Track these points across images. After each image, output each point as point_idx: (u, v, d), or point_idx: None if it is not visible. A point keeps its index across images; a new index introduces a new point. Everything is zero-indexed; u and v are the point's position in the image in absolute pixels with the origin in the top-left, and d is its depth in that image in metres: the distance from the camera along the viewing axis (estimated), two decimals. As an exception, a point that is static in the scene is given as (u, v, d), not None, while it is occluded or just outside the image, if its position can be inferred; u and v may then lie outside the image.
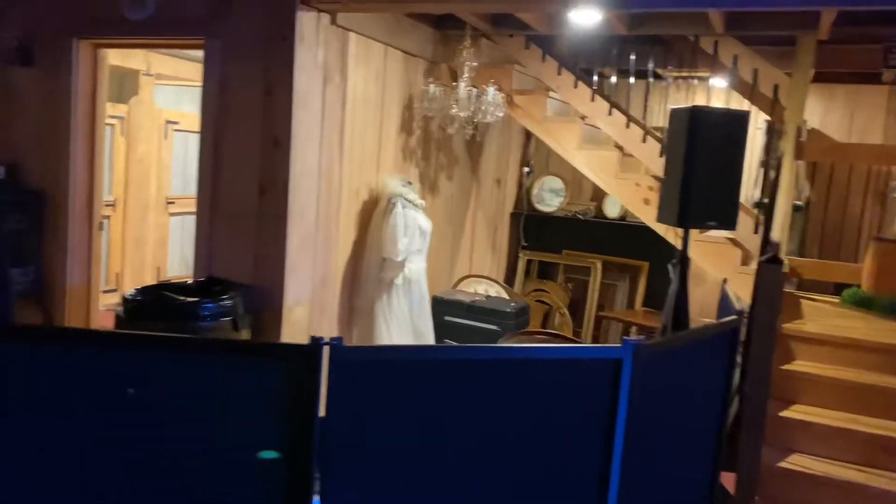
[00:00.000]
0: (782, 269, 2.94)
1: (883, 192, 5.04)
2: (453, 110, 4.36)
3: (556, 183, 6.64)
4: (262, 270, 3.68)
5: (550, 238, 6.59)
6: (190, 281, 3.69)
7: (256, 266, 3.70)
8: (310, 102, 3.66)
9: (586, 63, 4.74)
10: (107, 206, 5.27)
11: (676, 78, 5.50)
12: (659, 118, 5.52)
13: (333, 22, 3.77)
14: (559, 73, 4.61)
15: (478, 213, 5.92)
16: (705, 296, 5.60)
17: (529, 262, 6.66)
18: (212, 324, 3.27)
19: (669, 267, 3.34)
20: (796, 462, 3.23)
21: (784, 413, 3.40)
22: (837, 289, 4.52)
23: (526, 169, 6.44)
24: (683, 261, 3.25)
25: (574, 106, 4.65)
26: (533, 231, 6.69)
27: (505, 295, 5.54)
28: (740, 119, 3.12)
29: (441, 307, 4.70)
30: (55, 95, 4.12)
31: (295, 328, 3.75)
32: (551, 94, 4.82)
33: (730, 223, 3.20)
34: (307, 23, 3.58)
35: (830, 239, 5.33)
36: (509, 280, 6.63)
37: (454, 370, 1.87)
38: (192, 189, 5.60)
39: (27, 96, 4.23)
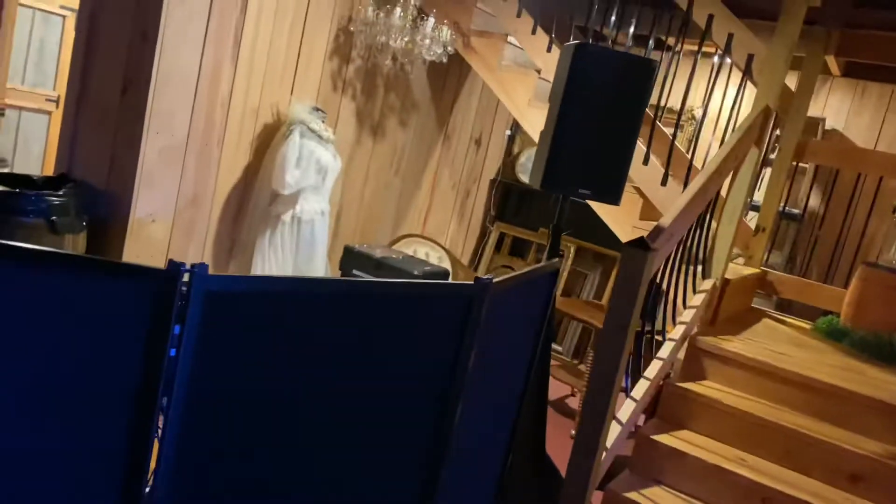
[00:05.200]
0: (649, 256, 2.35)
1: (892, 212, 4.24)
2: (381, 38, 3.86)
3: (547, 155, 6.04)
4: (115, 176, 3.33)
5: (529, 213, 6.01)
6: (39, 176, 3.37)
7: (112, 170, 3.35)
8: (190, -3, 3.25)
9: (585, 20, 4.03)
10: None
11: (685, 52, 4.80)
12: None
13: (237, -89, 3.34)
14: (518, 16, 4.03)
15: (443, 171, 5.41)
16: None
17: (503, 235, 6.12)
18: (25, 219, 2.94)
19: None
20: (651, 495, 2.66)
21: (659, 436, 2.81)
22: (825, 315, 3.88)
23: (507, 132, 5.86)
24: (556, 231, 2.68)
25: (529, 55, 4.06)
26: (512, 203, 6.13)
27: (447, 263, 5.05)
28: (643, 67, 2.50)
29: (350, 259, 4.24)
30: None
31: (147, 246, 3.39)
32: (511, 40, 4.24)
33: (610, 195, 2.60)
34: None
35: (825, 257, 4.57)
36: (479, 252, 6.12)
37: (311, 301, 1.45)
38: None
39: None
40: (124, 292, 1.17)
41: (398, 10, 3.85)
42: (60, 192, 3.11)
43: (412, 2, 3.96)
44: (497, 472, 2.28)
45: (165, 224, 3.46)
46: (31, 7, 4.94)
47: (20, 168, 5.00)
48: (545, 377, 2.69)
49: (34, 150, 5.18)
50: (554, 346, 5.66)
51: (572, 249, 5.71)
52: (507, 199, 6.12)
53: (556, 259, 2.04)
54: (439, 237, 5.55)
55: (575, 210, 5.68)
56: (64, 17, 5.09)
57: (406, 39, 3.87)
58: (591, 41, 3.78)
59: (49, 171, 5.44)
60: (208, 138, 3.54)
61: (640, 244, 2.35)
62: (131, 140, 3.26)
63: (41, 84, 5.15)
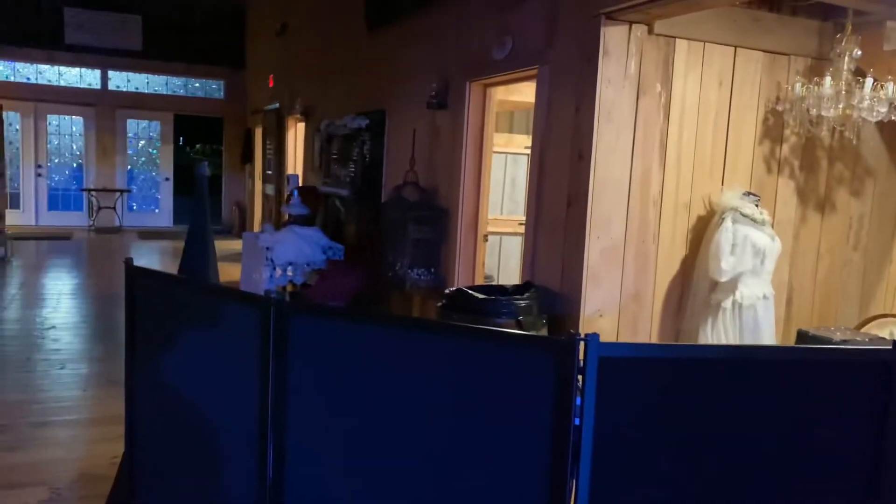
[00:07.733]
0: None
1: None
2: (813, 111, 3.69)
3: None
4: (566, 279, 3.84)
5: None
6: (510, 285, 4.08)
7: (563, 274, 3.87)
8: (616, 115, 3.67)
9: None
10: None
11: None
12: None
13: (651, 32, 3.70)
14: None
15: (920, 238, 4.69)
16: None
17: None
18: (499, 320, 3.60)
19: None
20: None
21: None
22: None
23: None
24: None
25: None
26: None
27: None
28: None
29: (806, 344, 3.96)
30: (457, 131, 5.05)
31: (597, 339, 3.77)
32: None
33: None
34: (614, 37, 3.62)
35: None
36: None
37: (722, 371, 1.55)
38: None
39: (443, 133, 5.28)
40: (528, 361, 1.47)
41: (828, 79, 3.67)
42: (525, 296, 3.73)
43: (844, 68, 3.73)
44: None
45: (612, 318, 3.81)
46: (503, 152, 6.09)
47: (503, 281, 6.04)
48: None
49: (512, 266, 6.21)
50: None
51: None
52: None
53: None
54: (931, 316, 4.74)
55: None
56: (527, 155, 6.10)
57: (841, 105, 3.64)
58: None
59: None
60: (644, 237, 3.83)
61: None
62: (577, 246, 3.74)
63: (514, 212, 6.21)
